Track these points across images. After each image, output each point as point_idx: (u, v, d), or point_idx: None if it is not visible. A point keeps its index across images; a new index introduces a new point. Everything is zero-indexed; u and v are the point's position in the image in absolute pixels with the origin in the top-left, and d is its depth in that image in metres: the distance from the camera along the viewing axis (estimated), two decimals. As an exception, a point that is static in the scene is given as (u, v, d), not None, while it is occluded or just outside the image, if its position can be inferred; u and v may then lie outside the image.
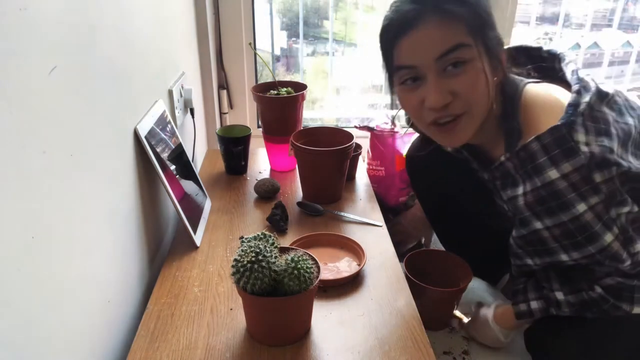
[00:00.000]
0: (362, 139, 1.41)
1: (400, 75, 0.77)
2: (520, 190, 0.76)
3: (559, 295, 0.83)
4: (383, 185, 1.43)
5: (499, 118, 0.82)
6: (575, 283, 0.82)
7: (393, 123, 1.49)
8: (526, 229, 0.79)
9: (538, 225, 0.76)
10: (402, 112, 0.92)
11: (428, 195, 1.21)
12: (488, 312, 0.99)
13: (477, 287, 1.26)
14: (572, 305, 0.82)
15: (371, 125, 1.47)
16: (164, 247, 1.07)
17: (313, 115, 1.96)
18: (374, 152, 1.44)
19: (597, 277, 0.79)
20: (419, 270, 1.10)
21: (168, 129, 1.04)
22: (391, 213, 1.42)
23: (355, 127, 1.46)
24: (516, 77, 0.84)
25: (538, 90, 0.80)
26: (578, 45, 2.04)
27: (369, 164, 1.47)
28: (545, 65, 0.87)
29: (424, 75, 0.75)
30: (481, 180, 0.97)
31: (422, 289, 1.03)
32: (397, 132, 1.44)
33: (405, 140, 1.42)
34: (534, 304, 0.86)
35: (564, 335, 0.86)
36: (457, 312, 1.15)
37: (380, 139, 1.42)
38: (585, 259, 0.76)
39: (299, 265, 0.72)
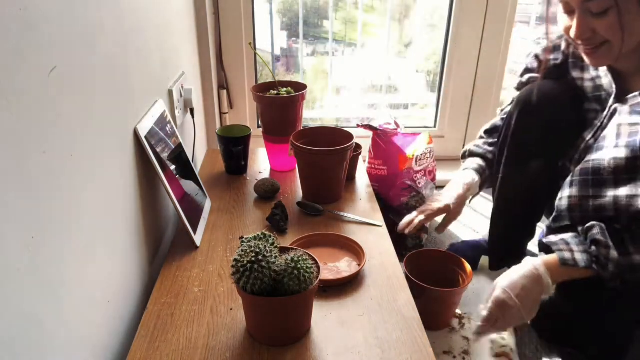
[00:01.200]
0: (362, 139, 1.41)
1: (561, 6, 0.92)
2: None
3: (613, 254, 0.83)
4: (385, 184, 1.43)
5: None
6: (628, 246, 0.84)
7: (396, 123, 1.48)
8: None
9: None
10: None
11: (525, 130, 1.12)
12: (533, 261, 0.92)
13: (478, 287, 1.26)
14: (620, 266, 0.83)
15: (373, 124, 1.47)
16: (164, 247, 1.07)
17: (313, 115, 1.96)
18: (376, 151, 1.44)
19: None
20: (419, 270, 1.10)
21: (168, 129, 1.04)
22: (392, 213, 1.42)
23: (358, 125, 1.46)
24: None
25: None
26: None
27: (370, 163, 1.47)
28: None
29: (574, 10, 0.88)
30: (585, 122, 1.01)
31: (422, 289, 1.03)
32: (400, 131, 1.44)
33: (409, 140, 1.42)
34: (579, 255, 0.86)
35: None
36: (457, 312, 1.15)
37: (384, 138, 1.42)
38: None
39: (299, 265, 0.72)
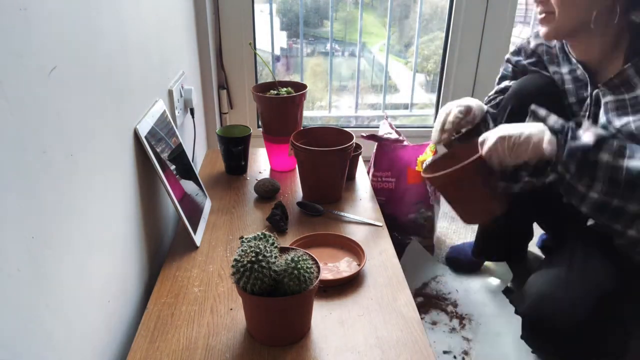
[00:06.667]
0: (362, 139, 1.41)
1: None
2: None
3: (593, 194, 0.83)
4: (392, 198, 1.36)
5: (619, 39, 0.90)
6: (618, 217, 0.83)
7: (398, 133, 1.44)
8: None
9: None
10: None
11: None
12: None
13: (479, 287, 1.26)
14: (593, 205, 0.83)
15: (375, 134, 1.40)
16: (164, 247, 1.07)
17: (313, 115, 1.96)
18: (383, 163, 1.37)
19: None
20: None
21: (168, 129, 1.04)
22: (397, 231, 1.36)
23: (362, 136, 1.37)
24: None
25: None
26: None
27: (374, 175, 1.39)
28: None
29: None
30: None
31: (451, 176, 0.91)
32: (406, 143, 1.36)
33: (416, 151, 1.33)
34: (552, 119, 0.87)
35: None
36: (458, 312, 1.14)
37: (389, 149, 1.36)
38: None
39: (299, 265, 0.72)
